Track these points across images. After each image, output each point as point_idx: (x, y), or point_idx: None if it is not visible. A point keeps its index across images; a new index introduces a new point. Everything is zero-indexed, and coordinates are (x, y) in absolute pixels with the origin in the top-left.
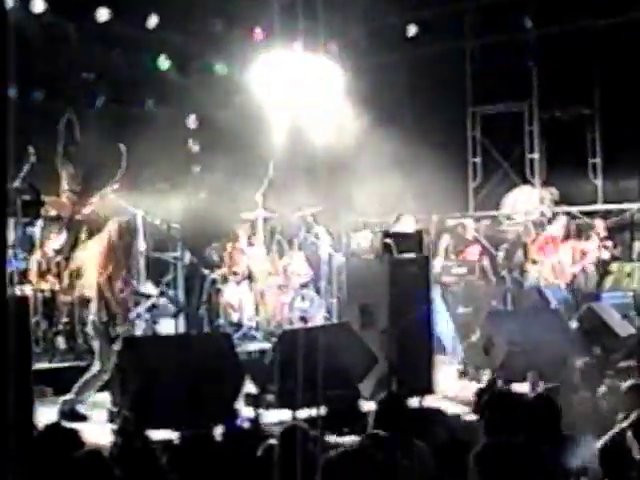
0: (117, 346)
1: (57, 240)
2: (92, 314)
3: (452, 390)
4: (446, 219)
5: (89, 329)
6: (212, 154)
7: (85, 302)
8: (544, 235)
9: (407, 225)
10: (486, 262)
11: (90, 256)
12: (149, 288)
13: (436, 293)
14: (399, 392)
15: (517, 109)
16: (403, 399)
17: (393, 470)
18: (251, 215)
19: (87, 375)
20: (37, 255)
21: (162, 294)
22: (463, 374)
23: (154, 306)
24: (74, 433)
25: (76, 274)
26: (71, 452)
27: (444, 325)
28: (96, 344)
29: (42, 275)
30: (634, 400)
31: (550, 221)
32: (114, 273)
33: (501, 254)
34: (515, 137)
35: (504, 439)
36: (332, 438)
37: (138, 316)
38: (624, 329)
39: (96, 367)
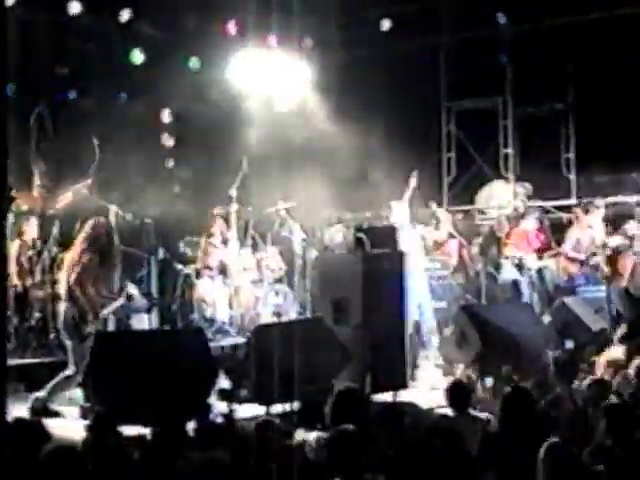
0: (89, 343)
1: (28, 235)
2: (62, 313)
3: (430, 384)
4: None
5: (61, 328)
6: (186, 149)
7: (57, 298)
8: (518, 230)
9: (401, 213)
10: (466, 256)
11: (68, 255)
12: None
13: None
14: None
15: (491, 104)
16: (360, 393)
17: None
18: (225, 210)
19: (61, 376)
20: (11, 250)
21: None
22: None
23: (129, 298)
24: (39, 425)
25: (49, 270)
26: (38, 445)
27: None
28: (68, 343)
29: (21, 271)
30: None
31: (523, 216)
32: (86, 273)
33: (475, 249)
34: (489, 132)
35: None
36: (301, 433)
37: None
38: (597, 323)
39: (71, 369)
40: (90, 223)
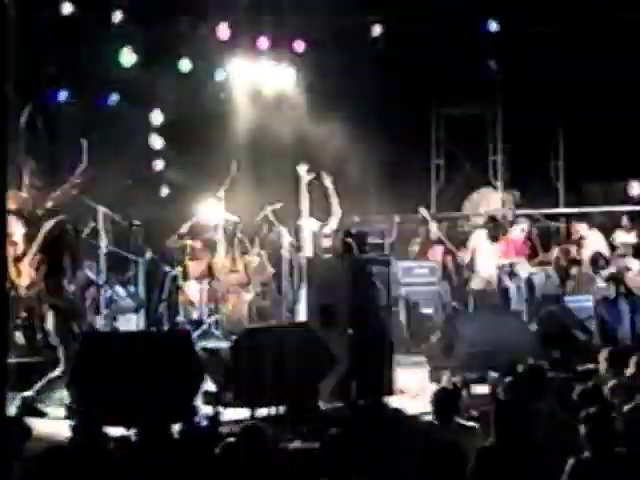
0: (76, 342)
1: (16, 234)
2: (50, 314)
3: (414, 390)
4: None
5: (49, 326)
6: (175, 151)
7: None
8: (506, 238)
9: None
10: (450, 263)
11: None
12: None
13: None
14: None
15: (481, 112)
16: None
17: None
18: (213, 212)
19: (50, 376)
20: None
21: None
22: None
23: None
24: (20, 422)
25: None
26: (20, 442)
27: None
28: (57, 342)
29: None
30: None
31: (512, 224)
32: (38, 272)
33: (463, 256)
34: (478, 139)
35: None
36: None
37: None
38: (583, 333)
39: (60, 369)
40: (48, 223)
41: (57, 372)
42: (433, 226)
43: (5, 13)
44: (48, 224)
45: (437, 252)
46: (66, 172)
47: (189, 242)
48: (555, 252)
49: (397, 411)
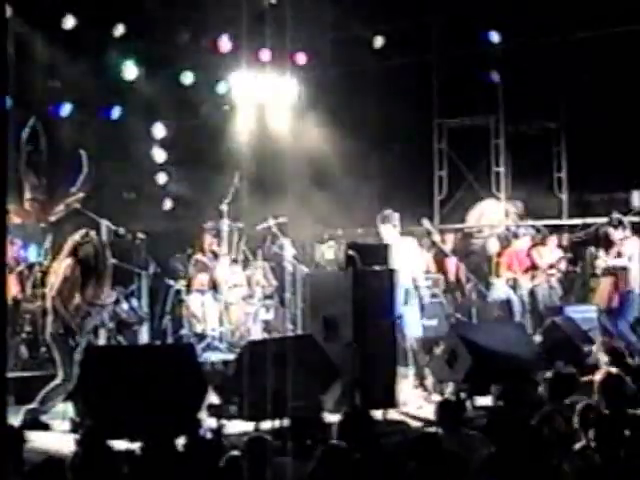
0: (78, 356)
1: (17, 248)
2: (49, 326)
3: (416, 403)
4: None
5: (48, 340)
6: (178, 164)
7: (46, 311)
8: (511, 251)
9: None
10: (463, 275)
11: (54, 270)
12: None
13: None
14: (363, 405)
15: (483, 122)
16: (367, 412)
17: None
18: (216, 225)
19: (51, 385)
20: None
21: (117, 302)
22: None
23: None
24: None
25: (40, 284)
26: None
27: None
28: (56, 355)
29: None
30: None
31: (515, 235)
32: (68, 291)
33: (466, 267)
34: (481, 150)
35: None
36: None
37: (97, 326)
38: (587, 343)
39: (60, 377)
40: (73, 237)
41: (56, 382)
42: (436, 237)
43: (5, 26)
44: (74, 237)
45: (451, 263)
46: (68, 185)
47: (194, 255)
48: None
49: (401, 424)
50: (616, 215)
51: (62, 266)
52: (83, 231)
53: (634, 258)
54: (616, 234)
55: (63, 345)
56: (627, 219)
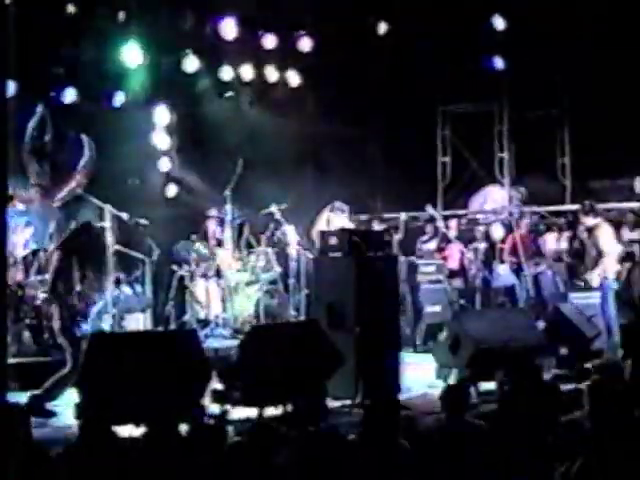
0: (84, 342)
1: (25, 234)
2: (56, 314)
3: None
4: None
5: (56, 329)
6: (181, 150)
7: (50, 299)
8: (514, 236)
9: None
10: (467, 261)
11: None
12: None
13: None
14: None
15: (487, 109)
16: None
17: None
18: (220, 212)
19: (59, 374)
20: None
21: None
22: None
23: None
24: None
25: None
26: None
27: None
28: (63, 342)
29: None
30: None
31: (518, 221)
32: (64, 282)
33: (470, 253)
34: (485, 137)
35: None
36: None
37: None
38: (591, 329)
39: (68, 366)
40: (69, 227)
41: (64, 371)
42: (440, 223)
43: (6, 14)
44: (70, 228)
45: (454, 249)
46: (71, 170)
47: (198, 241)
48: None
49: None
50: (588, 202)
51: (52, 258)
52: (80, 222)
53: (607, 246)
54: (587, 220)
55: (71, 334)
56: (603, 206)
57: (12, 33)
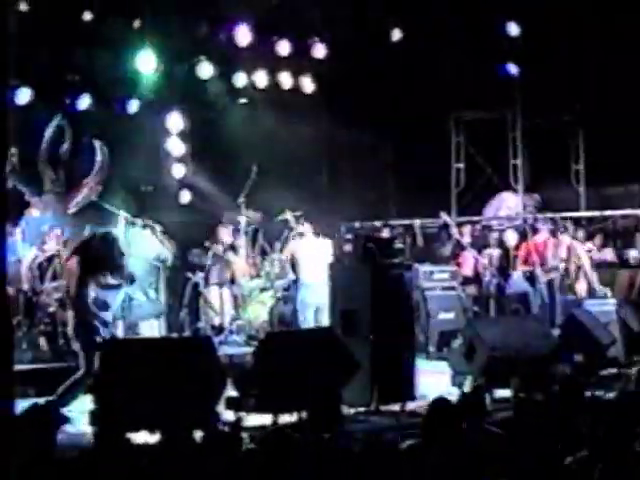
0: (99, 348)
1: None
2: (71, 320)
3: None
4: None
5: (71, 335)
6: (195, 157)
7: (64, 305)
8: (529, 244)
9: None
10: (481, 268)
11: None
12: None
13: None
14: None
15: (501, 116)
16: None
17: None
18: (234, 218)
19: (72, 379)
20: (32, 254)
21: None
22: None
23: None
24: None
25: (60, 276)
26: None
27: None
28: (77, 347)
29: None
30: None
31: (533, 228)
32: (78, 287)
33: (485, 260)
34: (499, 143)
35: None
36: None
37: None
38: (606, 337)
39: (82, 371)
40: (83, 234)
41: (77, 376)
42: (454, 230)
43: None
44: (84, 235)
45: (468, 257)
46: (83, 176)
47: (212, 247)
48: None
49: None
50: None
51: (67, 265)
52: (93, 231)
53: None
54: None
55: (85, 339)
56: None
57: (27, 40)
